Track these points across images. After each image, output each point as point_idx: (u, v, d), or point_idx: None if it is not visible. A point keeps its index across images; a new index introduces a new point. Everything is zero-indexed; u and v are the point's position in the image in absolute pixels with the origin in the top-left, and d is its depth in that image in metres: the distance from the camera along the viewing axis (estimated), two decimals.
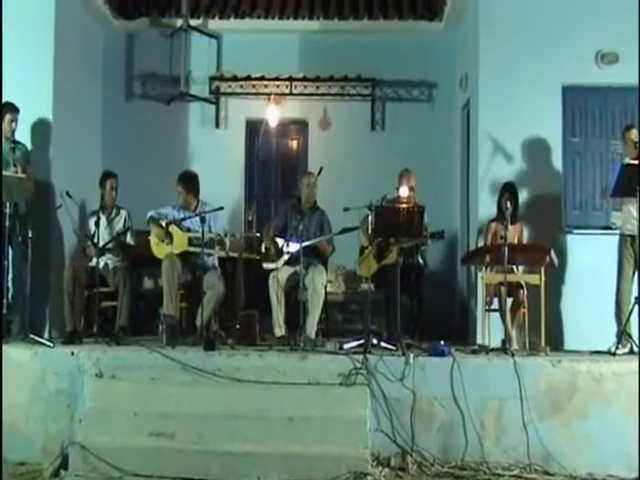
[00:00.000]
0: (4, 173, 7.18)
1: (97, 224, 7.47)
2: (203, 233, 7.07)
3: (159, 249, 7.53)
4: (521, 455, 5.99)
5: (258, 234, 8.00)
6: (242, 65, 9.91)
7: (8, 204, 7.02)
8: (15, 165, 7.32)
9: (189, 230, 7.50)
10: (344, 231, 7.24)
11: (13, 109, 7.56)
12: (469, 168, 8.89)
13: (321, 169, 7.52)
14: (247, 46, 9.88)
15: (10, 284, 7.35)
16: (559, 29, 8.17)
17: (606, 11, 8.09)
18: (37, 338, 6.70)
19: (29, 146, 7.95)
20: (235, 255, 8.23)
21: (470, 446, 6.02)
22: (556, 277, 7.63)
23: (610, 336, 6.96)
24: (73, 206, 7.66)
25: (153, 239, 7.57)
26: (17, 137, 7.65)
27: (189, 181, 7.74)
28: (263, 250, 7.62)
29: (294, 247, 7.34)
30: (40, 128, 8.21)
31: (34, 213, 7.54)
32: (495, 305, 7.38)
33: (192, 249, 7.37)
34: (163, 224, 7.52)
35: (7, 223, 7.05)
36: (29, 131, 8.11)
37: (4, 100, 7.52)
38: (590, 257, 7.76)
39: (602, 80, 8.20)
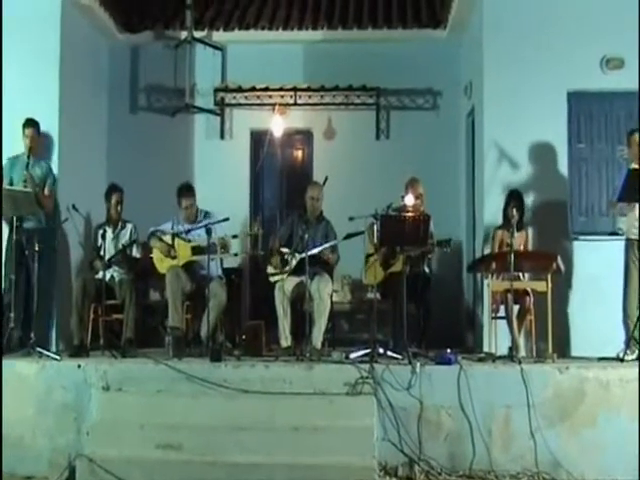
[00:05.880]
0: (13, 187, 7.26)
1: (103, 237, 7.52)
2: (209, 244, 7.10)
3: (162, 264, 7.57)
4: (529, 463, 5.98)
5: (262, 253, 7.95)
6: (247, 76, 9.93)
7: (15, 218, 7.06)
8: (25, 181, 7.36)
9: (190, 242, 7.52)
10: (348, 236, 7.23)
11: (32, 125, 7.67)
12: (474, 175, 8.87)
13: (326, 179, 7.54)
14: (251, 57, 9.92)
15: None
16: (564, 35, 8.13)
17: (611, 16, 8.05)
18: (44, 351, 6.72)
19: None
20: (243, 255, 8.19)
21: (478, 454, 6.02)
22: (563, 284, 7.60)
23: (618, 342, 6.93)
24: (79, 219, 7.69)
25: (156, 254, 7.60)
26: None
27: (194, 191, 7.79)
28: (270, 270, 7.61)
29: (300, 257, 7.34)
30: (47, 141, 8.23)
31: (41, 227, 7.58)
32: (502, 313, 7.35)
33: (196, 258, 7.38)
34: (165, 238, 7.54)
35: (14, 237, 7.08)
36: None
37: (8, 114, 7.61)
38: (597, 263, 7.72)
39: (608, 85, 8.15)
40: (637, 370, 6.17)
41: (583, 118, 8.33)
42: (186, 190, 7.78)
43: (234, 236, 7.48)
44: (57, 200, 8.03)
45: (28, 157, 7.56)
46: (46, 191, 7.67)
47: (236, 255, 7.79)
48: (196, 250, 7.40)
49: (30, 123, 7.67)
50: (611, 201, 7.40)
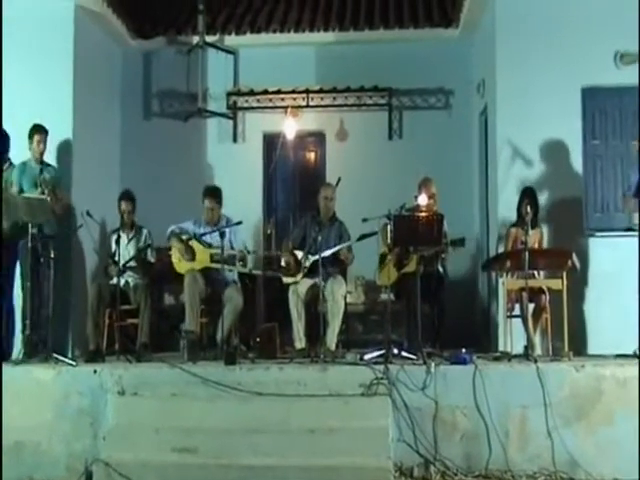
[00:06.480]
0: (29, 195, 7.30)
1: (118, 242, 7.52)
2: (223, 248, 7.11)
3: (181, 265, 7.56)
4: (546, 462, 5.93)
5: (279, 253, 7.98)
6: (259, 79, 9.97)
7: (31, 225, 7.09)
8: (41, 186, 7.41)
9: (210, 246, 7.52)
10: (362, 237, 7.21)
11: (41, 130, 7.67)
12: (488, 174, 8.85)
13: (339, 180, 7.53)
14: (263, 60, 9.96)
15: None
16: (577, 31, 8.11)
17: (623, 11, 7.99)
18: (60, 357, 6.73)
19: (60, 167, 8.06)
20: (258, 273, 8.22)
21: (494, 454, 5.97)
22: (578, 281, 7.56)
23: (635, 339, 6.84)
24: (94, 225, 7.72)
25: (174, 254, 7.60)
26: (52, 158, 7.84)
27: (219, 194, 7.78)
28: (283, 264, 7.61)
29: (314, 259, 7.33)
30: (61, 148, 8.31)
31: (53, 233, 7.61)
32: (517, 311, 7.31)
33: (214, 265, 7.39)
34: (184, 239, 7.56)
35: (30, 244, 7.10)
36: (50, 152, 8.17)
37: (22, 122, 7.65)
38: (613, 259, 7.67)
39: (621, 81, 8.10)
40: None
41: (598, 114, 8.28)
42: (210, 192, 7.78)
43: (248, 252, 7.51)
44: (72, 206, 8.11)
45: (41, 163, 7.60)
46: (58, 195, 7.68)
47: (251, 271, 7.79)
48: (214, 258, 7.40)
49: (39, 129, 7.68)
50: (626, 196, 7.34)
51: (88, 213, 7.49)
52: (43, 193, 7.35)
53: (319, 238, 7.19)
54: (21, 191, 7.49)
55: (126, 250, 7.73)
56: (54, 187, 7.58)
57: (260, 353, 7.12)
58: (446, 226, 7.22)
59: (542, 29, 8.18)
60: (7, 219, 7.16)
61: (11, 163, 7.65)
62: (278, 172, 10.19)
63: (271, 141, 10.09)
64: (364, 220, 7.05)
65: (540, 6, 8.22)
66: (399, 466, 5.92)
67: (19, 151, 7.69)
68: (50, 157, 8.01)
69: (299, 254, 7.52)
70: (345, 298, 7.33)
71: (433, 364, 6.19)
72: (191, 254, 7.53)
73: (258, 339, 7.32)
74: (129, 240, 7.83)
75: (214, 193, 7.77)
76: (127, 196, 7.89)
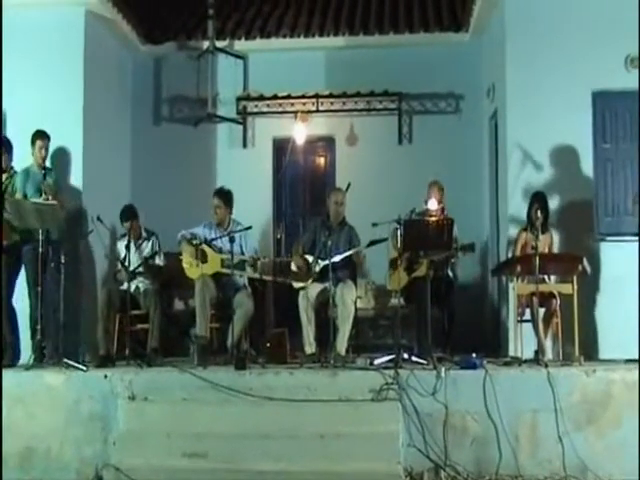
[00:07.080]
0: (36, 200, 7.32)
1: (127, 248, 7.53)
2: (232, 253, 7.13)
3: (192, 270, 7.56)
4: (556, 467, 5.91)
5: (289, 257, 7.98)
6: (269, 84, 9.99)
7: (41, 231, 7.11)
8: (46, 192, 7.42)
9: (221, 250, 7.53)
10: (371, 244, 7.21)
11: (44, 136, 7.69)
12: (498, 178, 8.83)
13: (349, 185, 7.52)
14: (273, 65, 9.98)
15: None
16: (587, 35, 8.08)
17: (633, 15, 7.94)
18: (71, 362, 6.74)
19: (60, 172, 8.06)
20: (268, 278, 8.22)
21: (504, 459, 5.95)
22: (589, 285, 7.53)
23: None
24: (104, 230, 7.75)
25: (185, 258, 7.59)
26: (48, 163, 7.78)
27: (227, 196, 7.77)
28: (294, 268, 7.62)
29: (324, 263, 7.33)
30: (70, 153, 8.34)
31: (66, 239, 7.62)
32: (527, 316, 7.27)
33: (224, 270, 7.40)
34: (195, 243, 7.57)
35: (40, 249, 7.12)
36: (60, 157, 8.23)
37: (34, 127, 7.67)
38: (624, 264, 7.59)
39: (632, 84, 8.04)
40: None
41: (608, 118, 8.25)
42: (218, 191, 7.80)
43: (259, 258, 7.53)
44: (84, 209, 8.18)
45: (44, 168, 7.57)
46: (60, 200, 7.65)
47: (262, 276, 7.79)
48: (225, 263, 7.41)
49: (42, 135, 7.66)
50: (635, 198, 7.32)
51: (99, 218, 7.52)
52: (47, 199, 7.36)
53: (329, 243, 7.18)
54: (25, 197, 7.50)
55: (135, 255, 7.72)
56: (57, 192, 7.61)
57: (270, 358, 7.11)
58: (456, 230, 7.21)
59: (552, 33, 8.16)
60: (18, 225, 7.19)
61: (15, 171, 7.67)
62: (288, 177, 10.23)
63: (281, 146, 10.12)
64: (374, 225, 7.03)
65: (550, 10, 8.20)
66: (409, 471, 5.91)
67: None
68: (60, 163, 8.04)
69: (309, 258, 7.52)
70: (355, 303, 7.31)
71: (443, 369, 6.19)
72: (202, 258, 7.53)
73: (268, 344, 7.31)
74: (137, 246, 7.82)
75: (221, 193, 7.77)
76: (127, 215, 7.84)
